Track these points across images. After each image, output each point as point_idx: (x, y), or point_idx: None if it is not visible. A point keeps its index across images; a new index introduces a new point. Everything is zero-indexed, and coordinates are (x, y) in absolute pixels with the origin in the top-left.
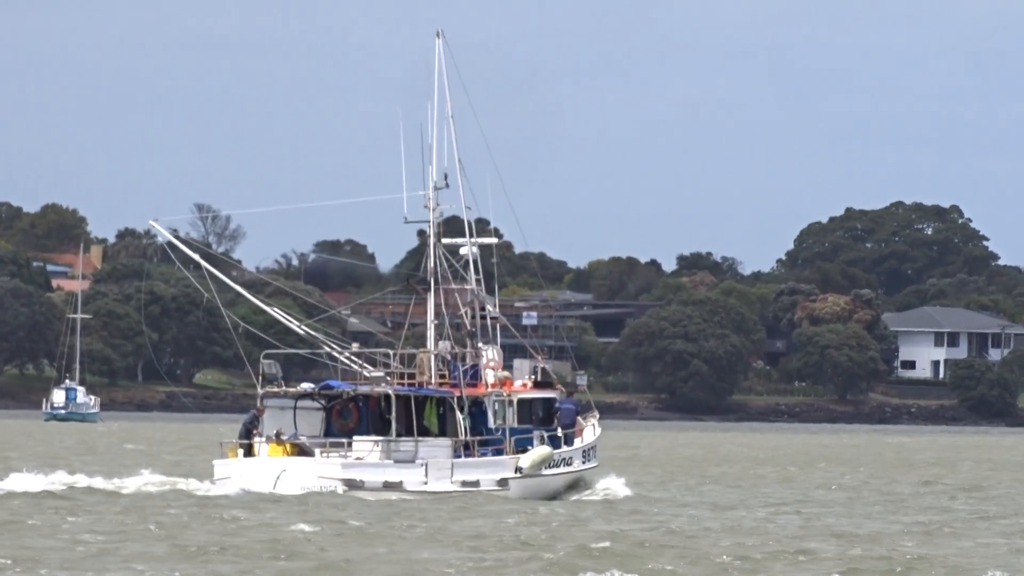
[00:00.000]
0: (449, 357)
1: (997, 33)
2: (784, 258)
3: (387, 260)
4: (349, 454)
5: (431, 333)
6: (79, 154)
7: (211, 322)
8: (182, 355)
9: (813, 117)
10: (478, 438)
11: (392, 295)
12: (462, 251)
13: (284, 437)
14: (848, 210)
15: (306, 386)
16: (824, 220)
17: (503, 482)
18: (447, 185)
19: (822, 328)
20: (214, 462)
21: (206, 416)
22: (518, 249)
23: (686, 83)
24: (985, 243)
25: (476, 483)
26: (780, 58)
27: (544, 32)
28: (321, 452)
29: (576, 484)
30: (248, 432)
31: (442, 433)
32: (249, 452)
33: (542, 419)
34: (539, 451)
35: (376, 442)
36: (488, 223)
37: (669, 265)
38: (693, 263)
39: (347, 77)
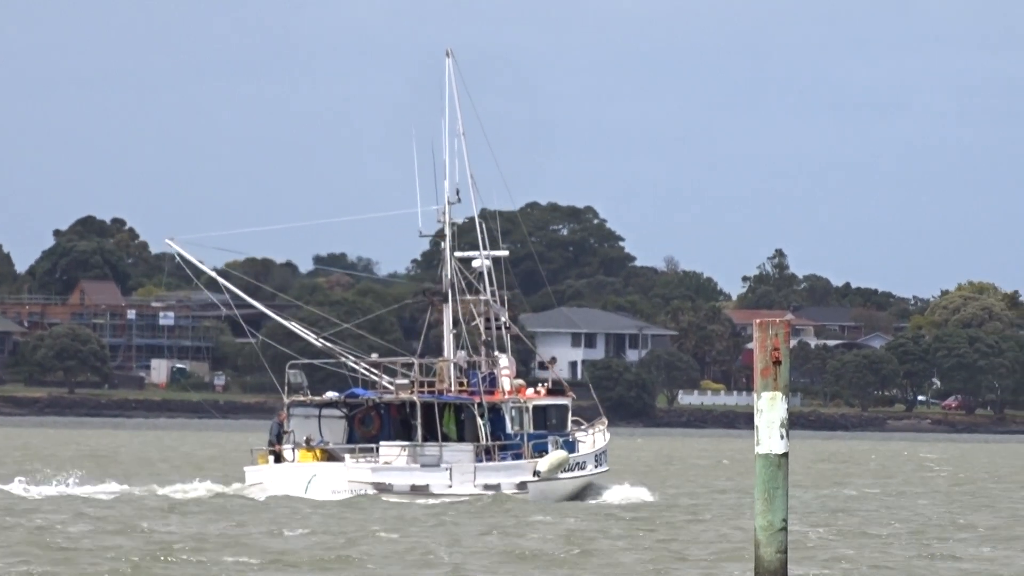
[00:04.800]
0: (465, 365)
1: (634, 34)
2: (420, 259)
3: (23, 260)
4: (378, 459)
5: (448, 342)
6: None
7: None
8: None
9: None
10: (498, 443)
11: (29, 296)
12: (475, 263)
13: (313, 443)
14: (483, 211)
15: (331, 394)
16: (460, 221)
17: (522, 485)
18: (459, 200)
19: (459, 329)
20: (245, 468)
21: None
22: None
23: (321, 79)
24: (621, 244)
25: (497, 486)
26: (422, 55)
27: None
28: (351, 457)
29: (589, 488)
30: (277, 439)
31: (460, 438)
32: (278, 458)
33: (556, 425)
34: (556, 455)
35: (403, 447)
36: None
37: (305, 266)
38: (329, 264)
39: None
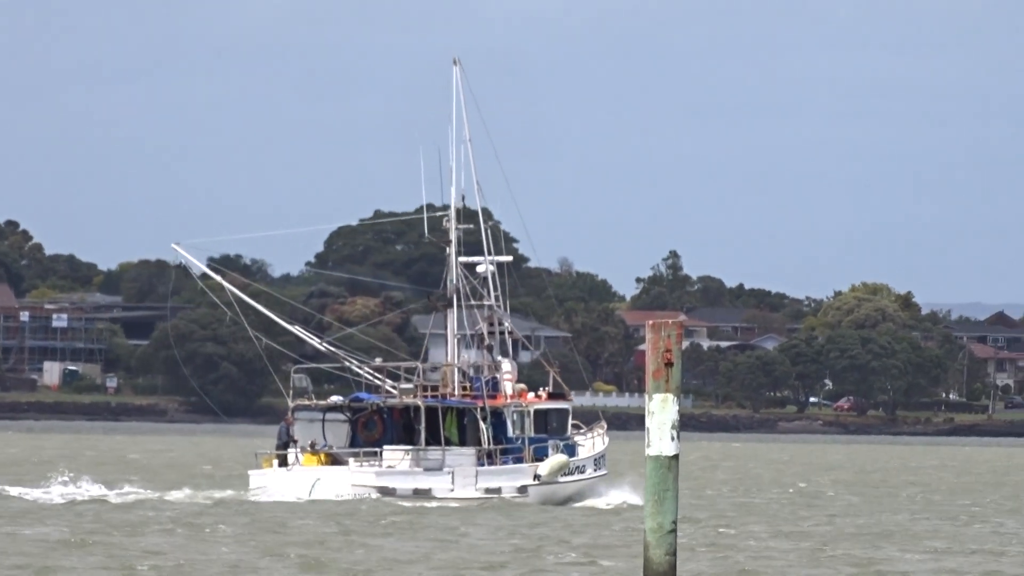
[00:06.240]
0: (468, 370)
1: (526, 36)
2: (314, 260)
3: None
4: (381, 463)
5: (452, 347)
6: None
7: None
8: None
9: (340, 118)
10: (499, 447)
11: None
12: (479, 269)
13: (317, 447)
14: (377, 212)
15: (335, 399)
16: (354, 223)
17: (523, 489)
18: (464, 205)
19: (352, 330)
20: (249, 472)
21: None
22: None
23: (209, 80)
24: (515, 245)
25: (498, 490)
26: (305, 59)
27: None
28: (354, 461)
29: (588, 491)
30: (284, 443)
31: (462, 442)
32: (283, 462)
33: (556, 429)
34: (556, 459)
35: (407, 451)
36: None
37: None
38: (223, 265)
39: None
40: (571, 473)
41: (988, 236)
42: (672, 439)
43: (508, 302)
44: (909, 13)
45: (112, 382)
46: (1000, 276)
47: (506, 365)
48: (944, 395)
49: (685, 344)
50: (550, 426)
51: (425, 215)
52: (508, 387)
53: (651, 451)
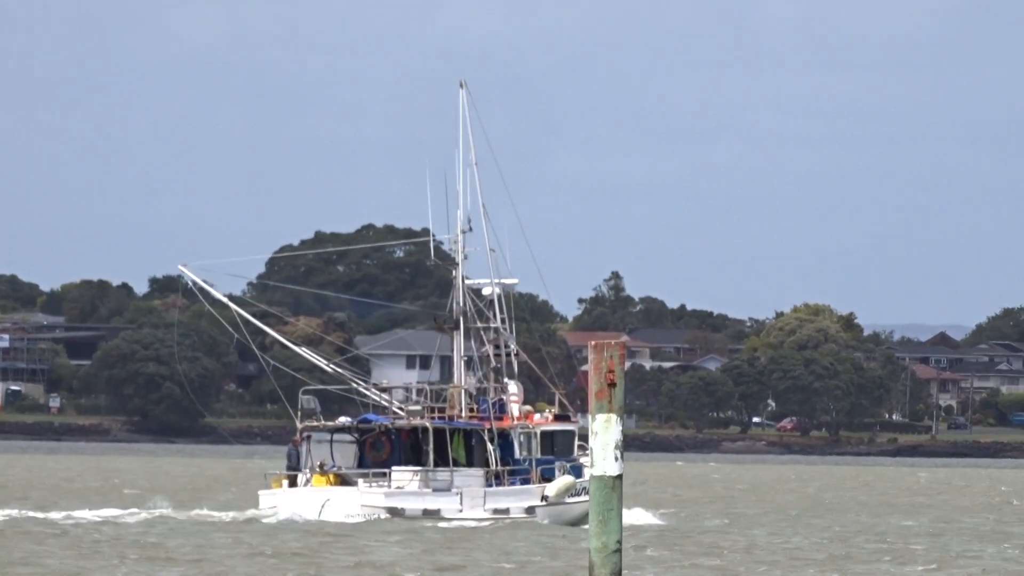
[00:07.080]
0: (475, 392)
1: (465, 55)
2: (255, 281)
3: None
4: (390, 483)
5: (459, 369)
6: None
7: None
8: None
9: (281, 139)
10: (507, 468)
11: None
12: (485, 291)
13: (327, 468)
14: (318, 233)
15: (343, 420)
16: (295, 243)
17: (531, 510)
18: (471, 229)
19: (294, 351)
20: (259, 493)
21: None
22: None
23: (151, 101)
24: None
25: (507, 511)
26: (249, 79)
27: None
28: (363, 482)
29: None
30: (296, 464)
31: (469, 464)
32: (293, 483)
33: (562, 450)
34: (563, 480)
35: (415, 472)
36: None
37: (141, 288)
38: (165, 286)
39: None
40: (578, 494)
41: (930, 257)
42: (616, 459)
43: (514, 325)
44: (849, 37)
45: (55, 402)
46: (942, 297)
47: (512, 387)
48: (887, 416)
49: (627, 365)
50: (556, 447)
51: (431, 238)
52: (514, 409)
53: (595, 471)
